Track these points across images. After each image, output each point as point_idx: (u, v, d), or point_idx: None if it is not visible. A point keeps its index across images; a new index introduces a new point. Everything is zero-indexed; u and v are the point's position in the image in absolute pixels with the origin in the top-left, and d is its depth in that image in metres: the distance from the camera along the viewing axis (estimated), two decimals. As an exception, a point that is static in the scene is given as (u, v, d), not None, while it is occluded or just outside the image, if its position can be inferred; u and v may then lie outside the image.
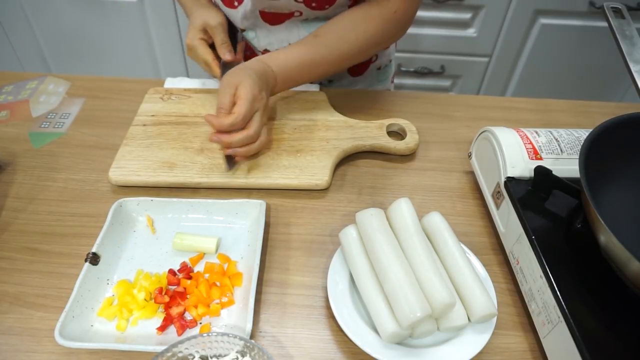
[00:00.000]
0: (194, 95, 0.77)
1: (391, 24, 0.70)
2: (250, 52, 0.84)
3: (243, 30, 0.79)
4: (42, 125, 0.74)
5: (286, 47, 0.69)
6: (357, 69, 0.87)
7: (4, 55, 1.69)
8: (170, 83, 0.81)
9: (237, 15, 0.76)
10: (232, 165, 0.65)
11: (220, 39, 0.74)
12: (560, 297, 0.45)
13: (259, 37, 0.79)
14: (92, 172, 0.67)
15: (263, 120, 0.63)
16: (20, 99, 0.79)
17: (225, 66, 0.72)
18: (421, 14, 1.47)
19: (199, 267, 0.55)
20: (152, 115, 0.73)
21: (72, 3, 1.53)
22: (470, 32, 1.51)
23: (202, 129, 0.71)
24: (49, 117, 0.76)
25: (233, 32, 0.79)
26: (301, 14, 0.74)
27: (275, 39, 0.78)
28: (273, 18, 0.75)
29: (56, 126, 0.74)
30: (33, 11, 1.56)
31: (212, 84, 0.82)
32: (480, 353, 0.47)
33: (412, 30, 1.49)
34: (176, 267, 0.55)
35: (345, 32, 0.69)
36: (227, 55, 0.74)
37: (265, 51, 0.81)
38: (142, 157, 0.66)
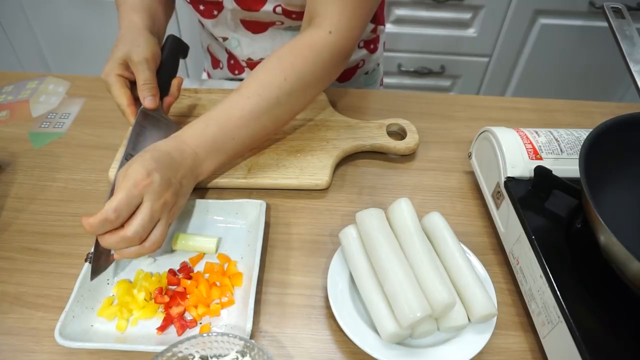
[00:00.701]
0: (193, 95, 0.77)
1: (325, 51, 0.58)
2: (234, 61, 0.83)
3: (225, 40, 0.78)
4: (42, 125, 0.74)
5: (204, 114, 0.57)
6: (344, 75, 0.85)
7: (4, 55, 1.69)
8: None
9: (217, 24, 0.75)
10: (103, 266, 0.51)
11: (143, 78, 0.60)
12: (560, 297, 0.45)
13: (241, 45, 0.77)
14: (92, 172, 0.67)
15: (153, 214, 0.48)
16: (20, 99, 0.79)
17: (146, 115, 0.60)
18: (421, 13, 1.48)
19: (199, 267, 0.55)
20: (152, 115, 0.73)
21: (72, 3, 1.53)
22: (470, 32, 1.51)
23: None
24: (49, 117, 0.76)
25: (168, 69, 0.66)
26: (282, 23, 0.72)
27: (258, 47, 0.76)
28: (254, 26, 0.73)
29: (56, 126, 0.74)
30: (33, 11, 1.56)
31: (211, 83, 0.82)
32: (480, 353, 0.47)
33: (412, 30, 1.52)
34: (176, 267, 0.55)
35: (269, 76, 0.57)
36: (147, 101, 0.60)
37: (249, 60, 0.79)
38: (142, 157, 0.66)
